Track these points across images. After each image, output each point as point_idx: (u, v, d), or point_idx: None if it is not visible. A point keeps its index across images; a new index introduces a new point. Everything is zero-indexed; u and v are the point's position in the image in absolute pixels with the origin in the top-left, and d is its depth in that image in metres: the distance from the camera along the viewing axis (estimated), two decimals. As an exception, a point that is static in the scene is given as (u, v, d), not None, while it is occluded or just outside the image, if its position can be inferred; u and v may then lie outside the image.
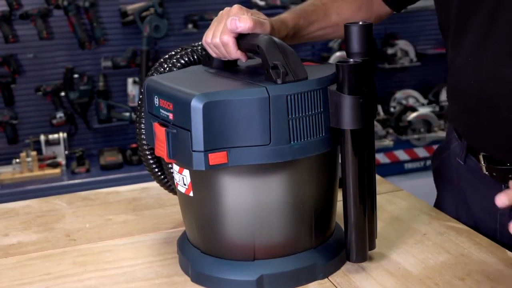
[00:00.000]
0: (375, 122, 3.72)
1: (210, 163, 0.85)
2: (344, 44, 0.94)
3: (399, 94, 4.27)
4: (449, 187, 1.25)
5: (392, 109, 4.26)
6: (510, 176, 1.06)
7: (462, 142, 1.18)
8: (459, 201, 1.20)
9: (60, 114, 3.77)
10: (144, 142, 1.05)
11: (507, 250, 1.02)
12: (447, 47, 1.16)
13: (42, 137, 3.72)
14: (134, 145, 3.77)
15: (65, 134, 3.75)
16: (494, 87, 1.00)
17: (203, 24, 3.84)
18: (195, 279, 0.97)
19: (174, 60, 1.06)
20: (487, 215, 1.13)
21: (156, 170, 1.09)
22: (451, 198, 1.22)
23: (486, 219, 1.14)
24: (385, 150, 4.12)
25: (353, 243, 0.94)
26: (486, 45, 1.00)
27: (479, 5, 1.01)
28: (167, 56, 1.08)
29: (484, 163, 1.10)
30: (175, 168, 0.96)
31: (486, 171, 1.10)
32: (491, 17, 0.99)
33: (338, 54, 4.04)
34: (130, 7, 3.77)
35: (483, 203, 1.14)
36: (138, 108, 1.06)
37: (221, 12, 1.02)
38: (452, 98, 1.15)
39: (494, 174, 1.09)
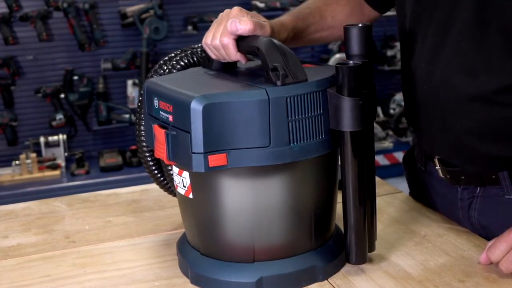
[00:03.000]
0: (375, 124, 3.72)
1: (210, 165, 0.85)
2: (344, 46, 0.95)
3: (398, 96, 4.27)
4: (421, 195, 1.25)
5: (391, 111, 4.27)
6: (462, 177, 1.08)
7: (422, 147, 1.19)
8: (432, 207, 1.21)
9: (59, 116, 3.77)
10: (144, 144, 1.05)
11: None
12: (402, 50, 1.17)
13: (42, 139, 3.72)
14: (133, 147, 3.78)
15: (64, 136, 3.76)
16: (443, 94, 1.02)
17: (202, 26, 3.85)
18: (194, 281, 0.97)
19: (174, 62, 1.06)
20: (451, 217, 1.15)
21: (156, 172, 1.09)
22: (427, 205, 1.23)
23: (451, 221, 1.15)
24: (385, 152, 4.12)
25: (352, 245, 0.94)
26: (438, 53, 1.02)
27: (433, 13, 1.03)
28: (166, 58, 1.08)
29: (439, 166, 1.12)
30: (175, 170, 0.96)
31: (442, 175, 1.12)
32: (444, 26, 1.00)
33: (337, 56, 4.05)
34: (130, 9, 3.78)
35: (446, 205, 1.16)
36: (138, 110, 1.06)
37: (221, 14, 1.02)
38: (408, 100, 1.16)
39: (448, 176, 1.11)
